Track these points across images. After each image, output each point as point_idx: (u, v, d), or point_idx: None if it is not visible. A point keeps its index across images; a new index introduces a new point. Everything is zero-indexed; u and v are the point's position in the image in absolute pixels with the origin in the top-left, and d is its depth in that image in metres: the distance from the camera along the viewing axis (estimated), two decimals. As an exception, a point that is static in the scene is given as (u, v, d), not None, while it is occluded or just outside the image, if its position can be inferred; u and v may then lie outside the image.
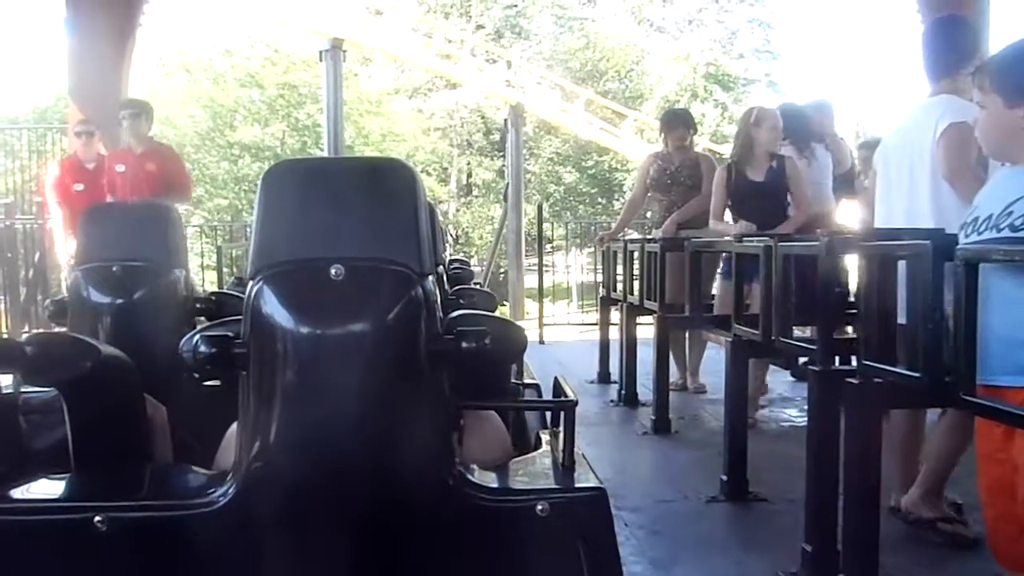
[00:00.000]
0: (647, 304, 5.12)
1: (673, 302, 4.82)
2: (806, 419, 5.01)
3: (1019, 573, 2.11)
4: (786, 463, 3.97)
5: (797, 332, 3.23)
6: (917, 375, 2.12)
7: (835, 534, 2.65)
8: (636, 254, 5.59)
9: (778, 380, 5.79)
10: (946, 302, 2.03)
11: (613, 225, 6.98)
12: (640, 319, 5.64)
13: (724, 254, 4.61)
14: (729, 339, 3.56)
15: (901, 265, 2.36)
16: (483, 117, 25.03)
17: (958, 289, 1.90)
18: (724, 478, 3.57)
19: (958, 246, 1.98)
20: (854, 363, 2.63)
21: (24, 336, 1.76)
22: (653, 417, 4.86)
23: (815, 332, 2.95)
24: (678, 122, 5.83)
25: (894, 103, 37.97)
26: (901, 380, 2.23)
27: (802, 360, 4.73)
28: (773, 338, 3.08)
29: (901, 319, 2.38)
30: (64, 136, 8.52)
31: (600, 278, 7.72)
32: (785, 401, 5.54)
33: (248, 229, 9.76)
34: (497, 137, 24.67)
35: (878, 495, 2.44)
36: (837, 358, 3.08)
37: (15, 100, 22.99)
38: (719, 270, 4.88)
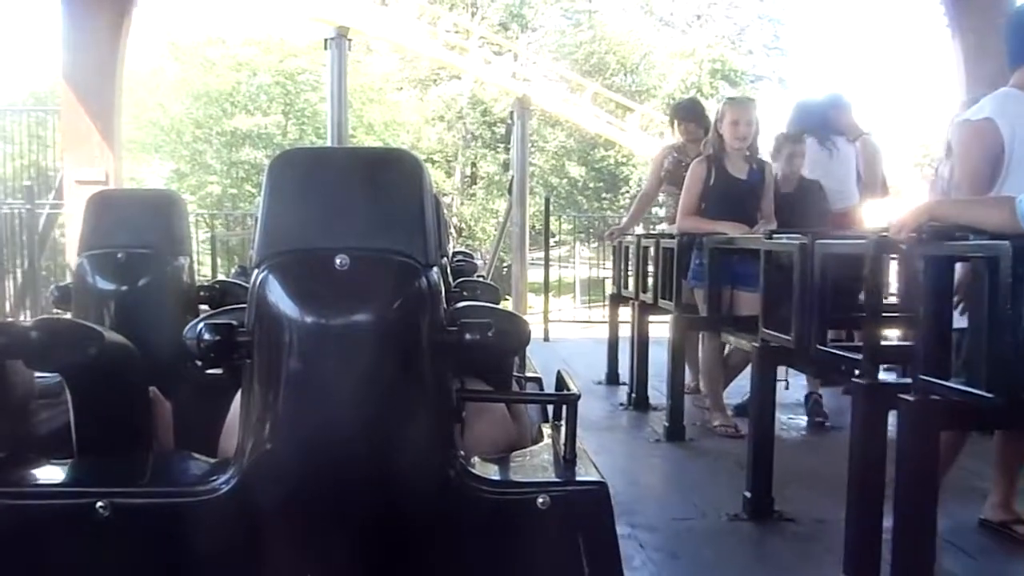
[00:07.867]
0: (662, 303, 4.87)
1: (689, 301, 4.60)
2: (823, 428, 4.83)
3: None
4: (810, 478, 3.72)
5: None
6: (989, 395, 1.86)
7: (878, 565, 2.40)
8: (651, 251, 5.32)
9: (795, 384, 5.50)
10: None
11: (622, 220, 6.76)
12: (651, 318, 5.40)
13: (696, 259, 4.43)
14: (756, 344, 3.30)
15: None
16: (484, 112, 24.77)
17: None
18: (747, 495, 3.31)
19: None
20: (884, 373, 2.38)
21: (28, 321, 1.83)
22: (666, 423, 4.61)
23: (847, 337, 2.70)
24: (681, 114, 5.71)
25: (903, 101, 37.76)
26: (967, 398, 1.98)
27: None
28: (807, 345, 2.81)
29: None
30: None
31: (605, 274, 7.48)
32: (802, 408, 5.25)
33: (250, 218, 9.63)
34: (501, 129, 24.45)
35: (935, 524, 2.18)
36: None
37: (12, 86, 22.87)
38: (689, 277, 4.59)
